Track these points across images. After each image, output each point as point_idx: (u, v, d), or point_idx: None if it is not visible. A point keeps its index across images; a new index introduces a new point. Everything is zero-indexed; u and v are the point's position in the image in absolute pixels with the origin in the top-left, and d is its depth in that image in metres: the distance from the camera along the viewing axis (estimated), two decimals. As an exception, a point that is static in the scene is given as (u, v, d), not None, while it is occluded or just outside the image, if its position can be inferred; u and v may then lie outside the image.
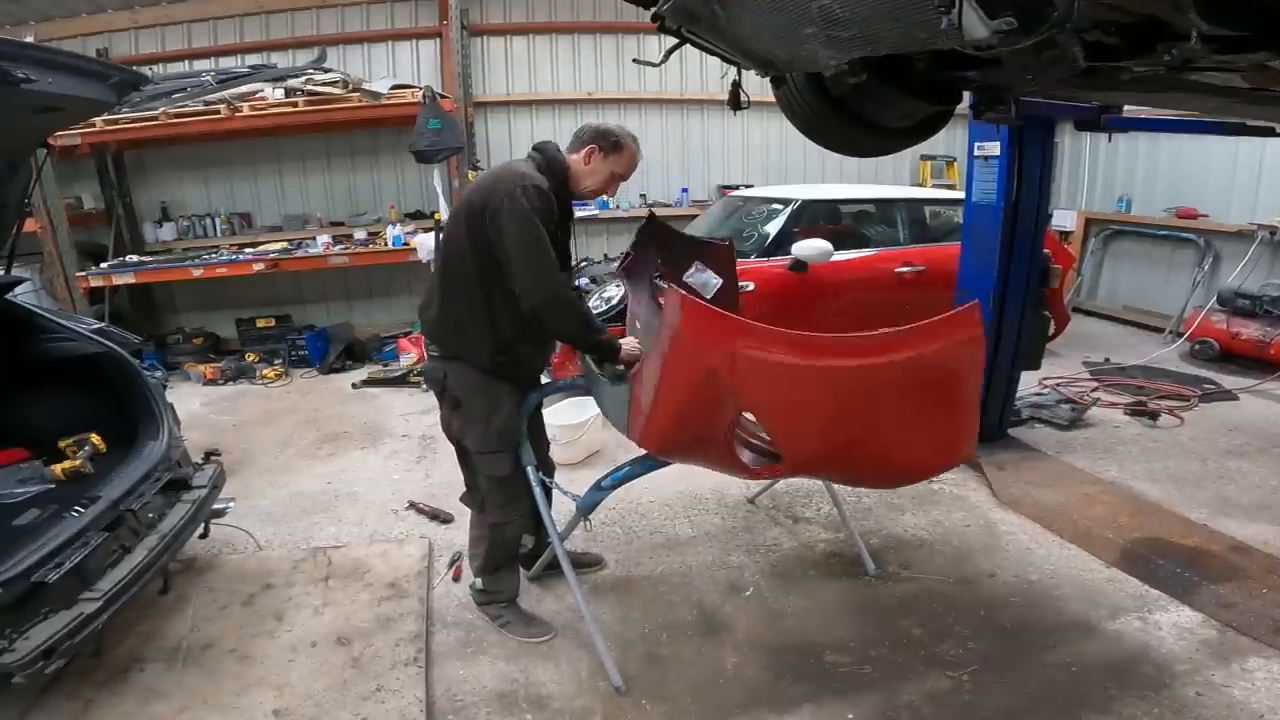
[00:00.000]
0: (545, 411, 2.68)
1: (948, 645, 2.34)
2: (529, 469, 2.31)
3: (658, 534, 3.09)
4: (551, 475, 2.50)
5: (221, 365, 5.68)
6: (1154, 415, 4.25)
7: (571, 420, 3.71)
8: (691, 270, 2.55)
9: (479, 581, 2.46)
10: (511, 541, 2.43)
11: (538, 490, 2.30)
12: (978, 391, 1.86)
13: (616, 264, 2.70)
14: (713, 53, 2.26)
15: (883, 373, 1.61)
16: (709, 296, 2.52)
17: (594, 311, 4.07)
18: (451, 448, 2.43)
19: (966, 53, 1.36)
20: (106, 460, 2.50)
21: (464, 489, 2.48)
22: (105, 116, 5.08)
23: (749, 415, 1.93)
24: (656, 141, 6.94)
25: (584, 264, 5.52)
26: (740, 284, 4.26)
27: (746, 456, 2.02)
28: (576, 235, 5.45)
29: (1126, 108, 3.36)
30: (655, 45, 2.50)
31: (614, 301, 4.28)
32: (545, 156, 2.24)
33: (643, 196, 7.02)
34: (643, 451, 2.29)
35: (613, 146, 2.22)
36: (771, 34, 1.82)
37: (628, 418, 2.01)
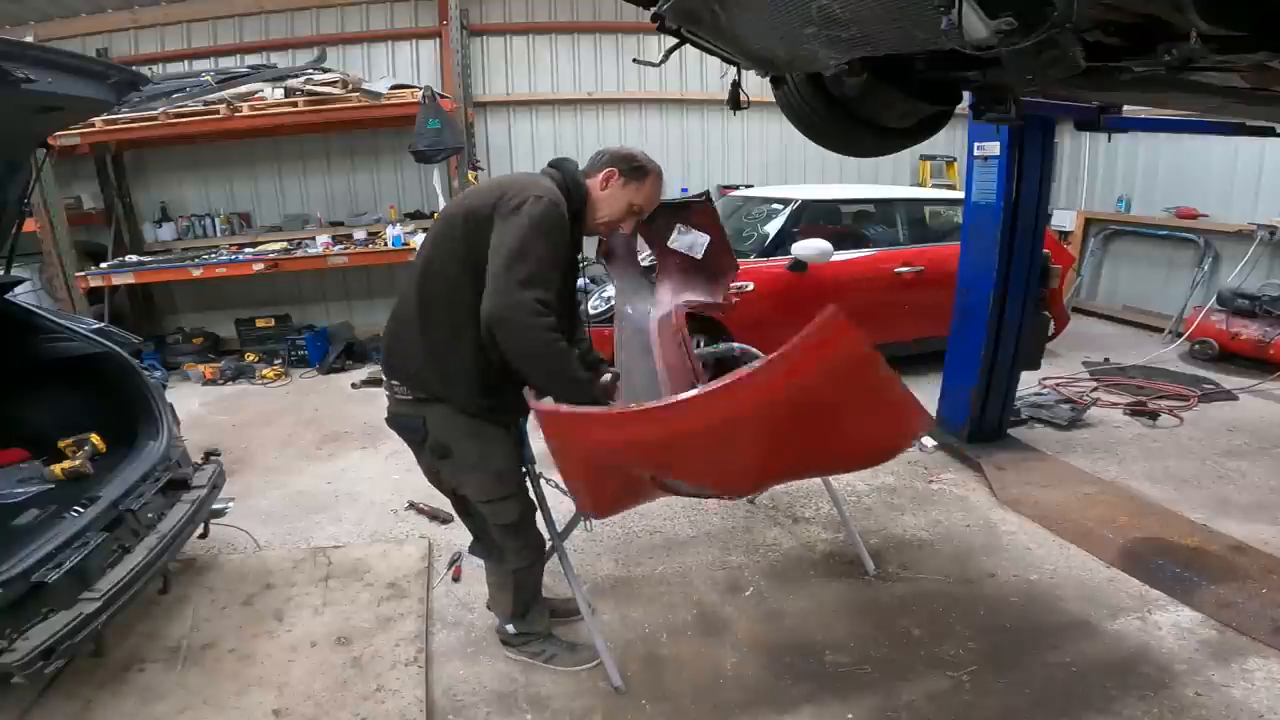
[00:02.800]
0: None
1: (948, 645, 2.34)
2: (537, 481, 2.18)
3: (657, 534, 3.09)
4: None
5: (221, 365, 5.68)
6: (1154, 415, 4.25)
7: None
8: (675, 234, 2.49)
9: (510, 627, 2.27)
10: (538, 577, 2.26)
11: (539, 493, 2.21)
12: (886, 383, 1.58)
13: (595, 250, 2.61)
14: (713, 53, 2.26)
15: (744, 419, 1.44)
16: (699, 256, 2.48)
17: (594, 311, 4.06)
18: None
19: (966, 53, 1.36)
20: (106, 460, 2.50)
21: (471, 537, 2.24)
22: (105, 116, 5.08)
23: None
24: (657, 141, 6.94)
25: (584, 263, 5.51)
26: (740, 284, 4.29)
27: (688, 491, 1.98)
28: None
29: (1126, 108, 3.37)
30: (655, 45, 2.50)
31: (615, 301, 4.28)
32: (564, 176, 1.95)
33: (643, 196, 7.01)
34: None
35: (634, 172, 1.97)
36: (771, 34, 1.82)
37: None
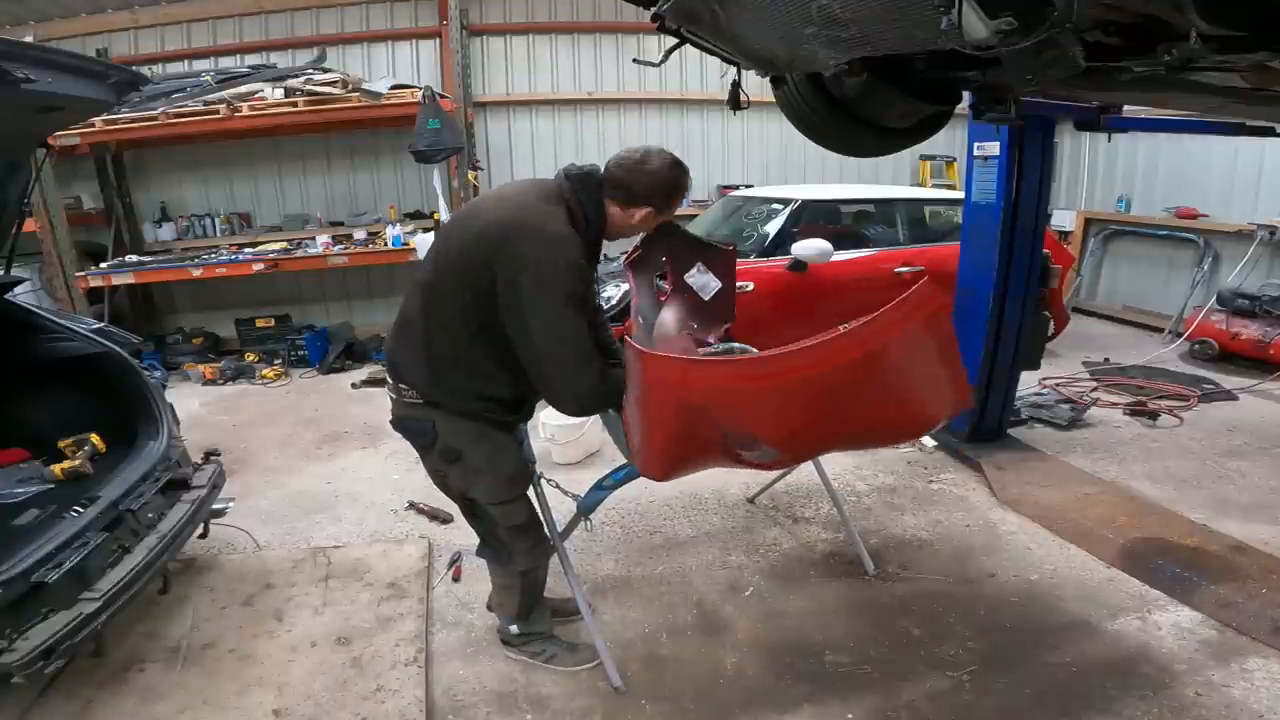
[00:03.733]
0: (544, 412, 2.67)
1: (948, 645, 2.34)
2: (538, 482, 2.19)
3: (657, 534, 3.09)
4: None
5: (221, 365, 5.68)
6: (1153, 415, 4.25)
7: (571, 420, 3.71)
8: (693, 271, 2.55)
9: (514, 628, 2.26)
10: (542, 579, 2.27)
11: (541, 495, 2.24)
12: (953, 349, 1.80)
13: (623, 257, 2.67)
14: (713, 53, 2.26)
15: (845, 370, 1.61)
16: (707, 299, 2.52)
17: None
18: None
19: (966, 53, 1.36)
20: (106, 460, 2.50)
21: (477, 541, 2.22)
22: (105, 116, 5.08)
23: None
24: (656, 141, 6.76)
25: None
26: (740, 284, 4.27)
27: (751, 456, 2.03)
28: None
29: (1126, 108, 3.37)
30: (655, 45, 2.50)
31: (614, 301, 4.28)
32: (581, 200, 1.83)
33: (642, 197, 7.01)
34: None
35: (666, 201, 1.90)
36: (771, 34, 1.82)
37: (627, 449, 2.02)
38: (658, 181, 1.87)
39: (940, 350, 1.72)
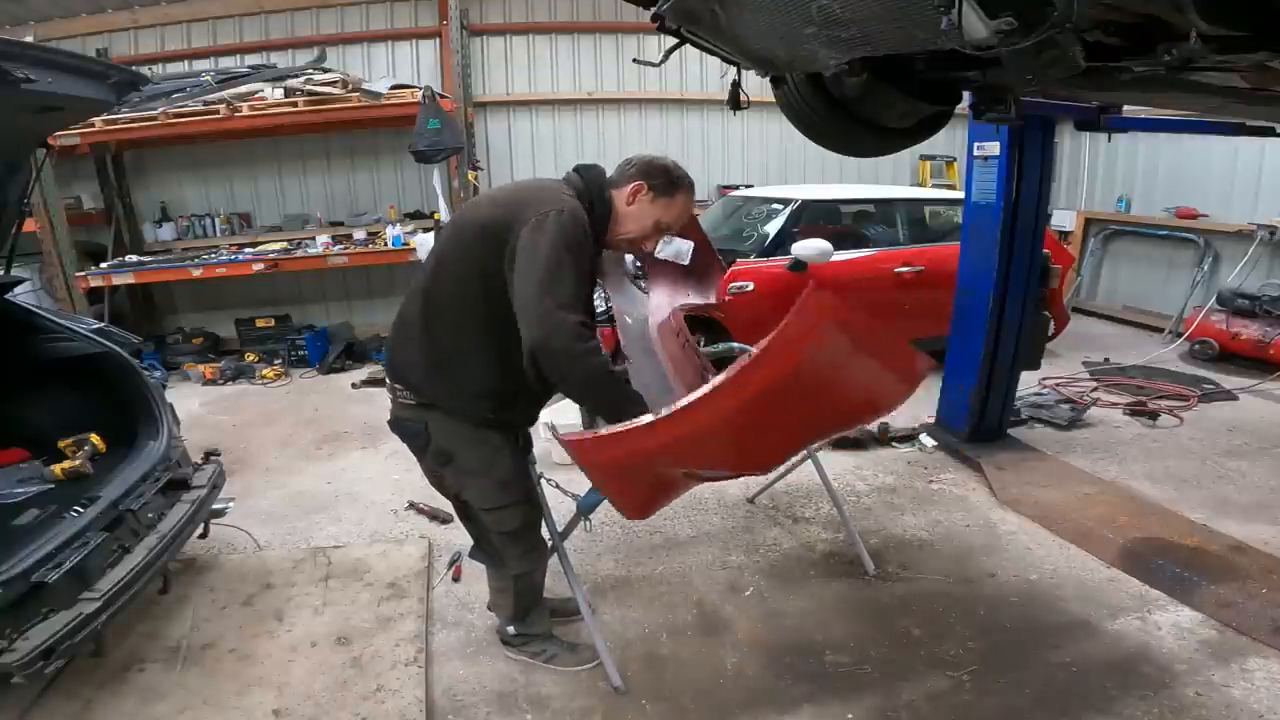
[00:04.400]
0: (544, 412, 2.66)
1: (948, 645, 2.34)
2: (542, 484, 2.17)
3: (657, 534, 3.09)
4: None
5: (221, 365, 5.68)
6: (1153, 415, 4.25)
7: (571, 420, 3.70)
8: (660, 245, 2.51)
9: (511, 629, 2.26)
10: (539, 581, 2.24)
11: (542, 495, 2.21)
12: (877, 337, 1.70)
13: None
14: (713, 53, 2.26)
15: (757, 400, 1.50)
16: (686, 262, 2.51)
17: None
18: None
19: (966, 53, 1.36)
20: (106, 460, 2.50)
21: (471, 542, 2.22)
22: (105, 116, 5.08)
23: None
24: (657, 141, 6.94)
25: None
26: (740, 284, 4.30)
27: (717, 476, 2.03)
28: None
29: (1126, 108, 3.37)
30: (655, 45, 2.50)
31: (612, 311, 4.28)
32: (588, 185, 1.83)
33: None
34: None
35: (665, 188, 1.85)
36: (771, 34, 1.81)
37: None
38: (652, 163, 1.88)
39: (860, 345, 1.64)
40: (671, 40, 2.26)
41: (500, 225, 1.73)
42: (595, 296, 2.07)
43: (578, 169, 1.90)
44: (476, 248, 1.76)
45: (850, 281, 4.63)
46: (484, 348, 1.81)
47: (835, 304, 1.46)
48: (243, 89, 5.55)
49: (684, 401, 1.48)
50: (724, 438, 1.60)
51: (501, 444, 1.96)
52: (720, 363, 2.80)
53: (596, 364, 1.69)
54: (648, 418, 1.52)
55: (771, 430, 1.65)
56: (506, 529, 2.03)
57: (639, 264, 2.63)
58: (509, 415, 1.95)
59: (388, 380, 1.99)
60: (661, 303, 2.57)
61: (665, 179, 1.85)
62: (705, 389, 1.46)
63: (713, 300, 2.51)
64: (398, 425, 2.00)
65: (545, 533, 2.19)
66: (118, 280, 5.61)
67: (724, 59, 2.29)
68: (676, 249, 2.46)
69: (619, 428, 1.57)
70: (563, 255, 1.66)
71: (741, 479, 3.34)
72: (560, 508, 2.32)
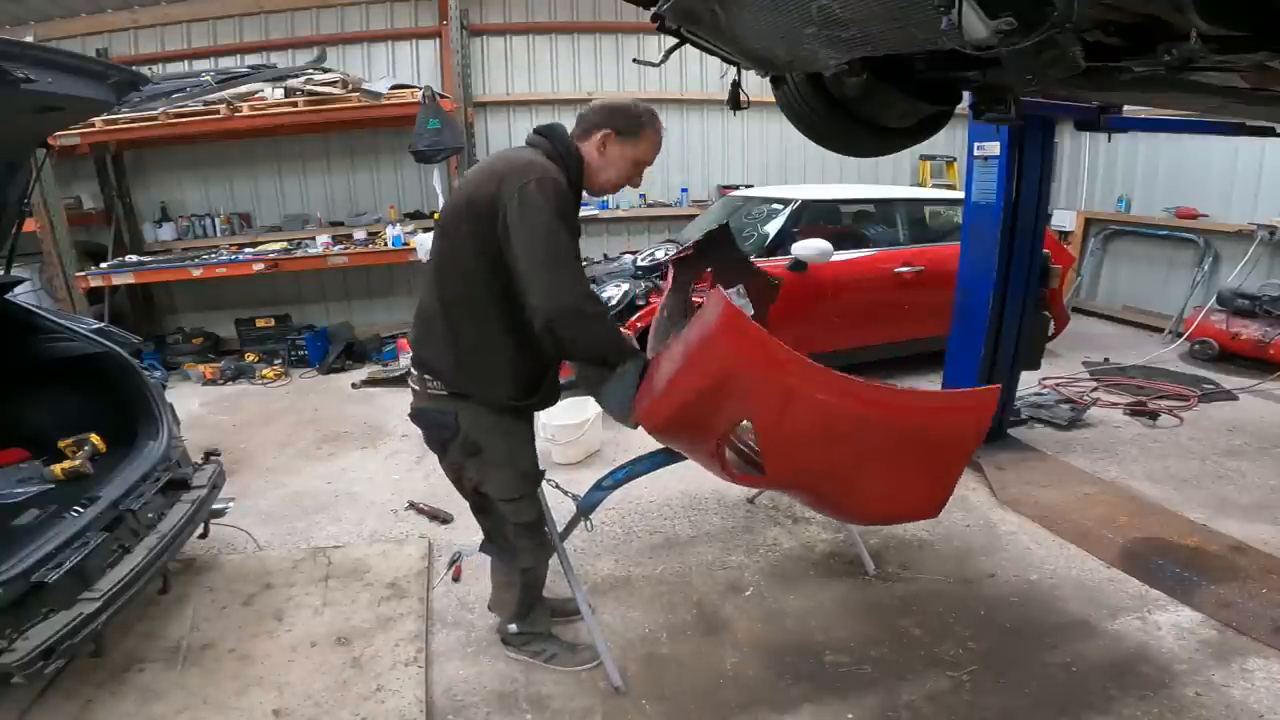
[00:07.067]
0: (543, 412, 2.66)
1: (948, 645, 2.34)
2: (542, 484, 2.15)
3: (658, 534, 3.09)
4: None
5: (221, 365, 5.67)
6: (1153, 415, 4.25)
7: (571, 420, 3.71)
8: (734, 293, 2.56)
9: (513, 627, 2.26)
10: (543, 577, 2.25)
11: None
12: (961, 464, 1.87)
13: (674, 250, 2.69)
14: (713, 53, 2.26)
15: (889, 424, 1.65)
16: (751, 309, 2.54)
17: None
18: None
19: (966, 53, 1.36)
20: (106, 460, 2.50)
21: (478, 540, 2.24)
22: (105, 116, 5.08)
23: (747, 423, 1.94)
24: (656, 141, 6.94)
25: (584, 264, 5.53)
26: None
27: (732, 460, 2.02)
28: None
29: (1126, 108, 3.36)
30: (655, 45, 2.50)
31: (613, 302, 4.28)
32: (554, 143, 1.86)
33: (642, 196, 7.01)
34: (641, 452, 2.29)
35: (629, 130, 1.86)
36: (771, 34, 1.81)
37: (631, 399, 1.93)
38: (607, 106, 1.90)
39: (958, 454, 1.80)
40: (671, 40, 2.26)
41: (485, 201, 1.75)
42: (602, 290, 2.11)
43: (538, 130, 1.90)
44: (469, 227, 1.78)
45: (850, 281, 4.64)
46: (504, 329, 1.84)
47: (990, 408, 1.72)
48: (243, 89, 5.55)
49: (862, 381, 1.61)
50: (813, 429, 1.67)
51: (525, 435, 2.02)
52: None
53: (610, 328, 1.84)
54: (828, 370, 1.61)
55: (834, 455, 1.74)
56: (524, 519, 2.06)
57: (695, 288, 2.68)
58: (535, 396, 1.98)
59: (413, 371, 1.98)
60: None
61: (628, 120, 1.87)
62: (882, 388, 1.67)
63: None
64: (424, 416, 2.00)
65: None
66: (118, 280, 5.61)
67: (724, 59, 2.29)
68: (741, 305, 2.50)
69: (801, 356, 1.61)
70: (555, 223, 1.72)
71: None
72: (560, 508, 2.32)
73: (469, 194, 1.82)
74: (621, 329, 2.00)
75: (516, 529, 2.08)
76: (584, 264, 2.17)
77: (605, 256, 6.04)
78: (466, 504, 2.23)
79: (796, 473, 1.86)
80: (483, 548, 2.23)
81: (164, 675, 2.19)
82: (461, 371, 1.88)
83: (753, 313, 2.55)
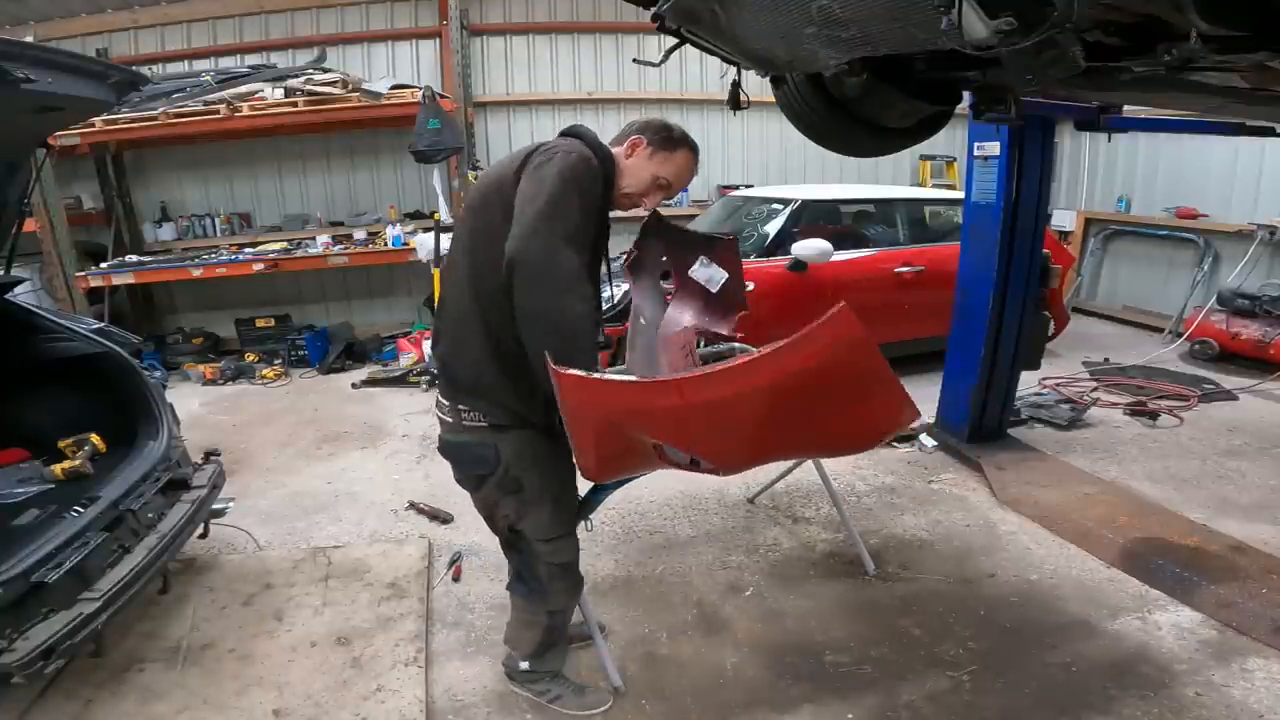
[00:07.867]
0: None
1: (948, 645, 2.34)
2: None
3: (658, 534, 3.09)
4: None
5: (221, 365, 5.68)
6: (1154, 415, 4.25)
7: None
8: (696, 265, 2.54)
9: (525, 664, 2.06)
10: (569, 619, 2.08)
11: None
12: (883, 377, 1.67)
13: (620, 261, 2.68)
14: (713, 53, 2.26)
15: (760, 394, 1.52)
16: (715, 291, 2.52)
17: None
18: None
19: (966, 53, 1.36)
20: (106, 460, 2.50)
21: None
22: (105, 116, 5.08)
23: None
24: (656, 141, 6.94)
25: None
26: (740, 284, 4.29)
27: (686, 462, 2.00)
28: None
29: (1126, 108, 3.37)
30: (655, 45, 2.50)
31: (614, 301, 4.28)
32: (586, 141, 1.72)
33: (642, 197, 7.01)
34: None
35: (663, 142, 1.79)
36: (771, 34, 1.81)
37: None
38: (648, 123, 1.84)
39: (865, 374, 1.63)
40: (671, 40, 2.26)
41: (510, 176, 1.64)
42: (604, 289, 1.99)
43: (565, 131, 1.79)
44: (500, 212, 1.63)
45: (850, 281, 4.63)
46: None
47: (859, 324, 1.46)
48: (243, 89, 5.55)
49: (705, 370, 1.50)
50: (709, 422, 1.58)
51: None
52: (717, 362, 2.81)
53: (585, 311, 1.57)
54: (751, 352, 1.50)
55: (752, 429, 1.63)
56: (561, 560, 1.91)
57: (667, 277, 2.65)
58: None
59: (445, 402, 1.81)
60: (679, 317, 2.58)
61: (664, 135, 1.80)
62: (712, 367, 1.50)
63: (733, 335, 2.54)
64: (459, 450, 1.83)
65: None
66: (118, 280, 5.61)
67: (724, 59, 2.29)
68: (710, 274, 2.48)
69: (624, 379, 1.55)
70: (569, 187, 1.56)
71: (741, 477, 3.34)
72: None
73: (499, 174, 1.71)
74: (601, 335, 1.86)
75: (550, 569, 1.91)
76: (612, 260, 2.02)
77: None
78: (466, 504, 2.14)
79: (739, 455, 1.79)
80: (511, 587, 2.04)
81: (164, 675, 2.19)
82: (502, 391, 1.71)
83: (726, 276, 2.53)
